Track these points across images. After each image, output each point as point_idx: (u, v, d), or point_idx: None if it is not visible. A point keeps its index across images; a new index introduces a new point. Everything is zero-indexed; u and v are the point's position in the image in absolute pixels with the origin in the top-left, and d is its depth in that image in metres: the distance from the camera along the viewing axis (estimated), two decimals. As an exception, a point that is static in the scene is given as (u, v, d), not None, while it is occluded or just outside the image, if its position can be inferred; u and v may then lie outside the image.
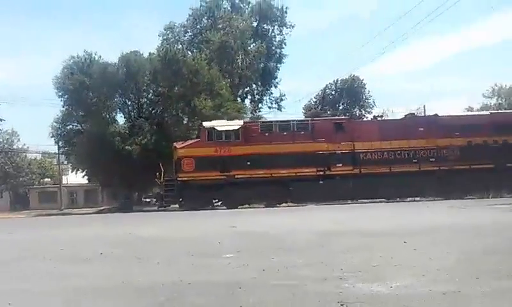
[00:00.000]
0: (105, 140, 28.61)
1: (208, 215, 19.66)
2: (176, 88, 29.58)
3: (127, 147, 27.98)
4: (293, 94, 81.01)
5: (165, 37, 35.44)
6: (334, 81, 41.86)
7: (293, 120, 26.42)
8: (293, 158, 23.76)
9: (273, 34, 37.90)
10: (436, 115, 25.95)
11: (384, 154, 24.23)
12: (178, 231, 12.82)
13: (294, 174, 23.77)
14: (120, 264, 7.17)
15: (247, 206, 23.99)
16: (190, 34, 36.54)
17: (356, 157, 24.24)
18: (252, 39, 37.08)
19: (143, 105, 31.90)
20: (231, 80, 33.32)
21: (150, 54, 31.78)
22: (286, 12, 37.88)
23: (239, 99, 35.56)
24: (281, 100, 37.89)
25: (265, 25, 37.76)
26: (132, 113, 31.71)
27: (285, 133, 24.28)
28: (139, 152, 27.83)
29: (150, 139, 28.45)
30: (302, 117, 31.31)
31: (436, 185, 23.48)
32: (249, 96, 37.98)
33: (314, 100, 41.69)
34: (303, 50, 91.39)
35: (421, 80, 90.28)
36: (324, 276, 5.61)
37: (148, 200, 40.47)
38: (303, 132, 24.51)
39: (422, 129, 24.47)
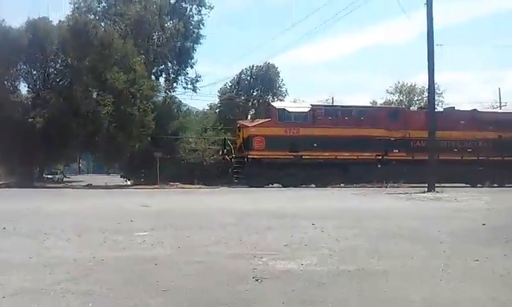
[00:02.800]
0: (5, 110, 26.53)
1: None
2: (86, 60, 28.10)
3: (29, 119, 26.18)
4: (210, 76, 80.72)
5: (77, 5, 33.36)
6: (250, 67, 42.19)
7: (354, 106, 27.87)
8: (355, 142, 24.99)
9: (191, 13, 37.16)
10: (474, 110, 28.41)
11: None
12: (90, 208, 12.39)
13: (355, 157, 25.09)
14: (26, 239, 6.84)
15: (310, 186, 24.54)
16: (104, 4, 34.78)
17: (410, 144, 25.88)
18: (169, 16, 36.16)
19: (50, 76, 29.89)
20: (146, 56, 32.32)
21: (60, 21, 29.85)
22: (205, -8, 37.40)
23: (153, 76, 34.58)
24: (197, 81, 37.31)
25: (183, 3, 36.87)
26: (38, 83, 29.63)
27: (346, 118, 25.47)
28: (42, 125, 26.16)
29: (55, 112, 26.84)
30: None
31: (475, 173, 25.72)
32: (163, 75, 37.02)
33: (230, 84, 41.73)
34: (221, 33, 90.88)
35: (332, 71, 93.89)
36: (239, 254, 5.80)
37: (50, 176, 38.32)
38: (362, 118, 25.83)
39: (463, 122, 26.70)
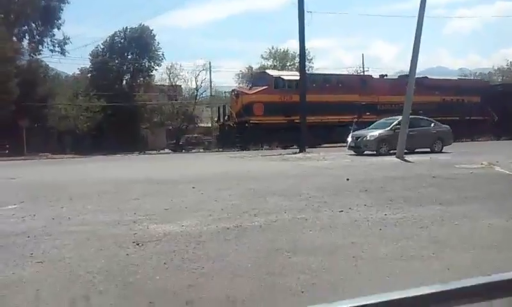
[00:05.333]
0: None
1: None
2: None
3: None
4: (80, 38, 74.62)
5: None
6: (123, 29, 40.09)
7: (334, 74, 31.66)
8: (336, 106, 27.67)
9: (57, -31, 34.21)
10: (425, 77, 31.66)
11: (393, 106, 28.68)
12: None
13: (337, 120, 27.46)
14: None
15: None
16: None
17: (378, 107, 29.41)
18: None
19: None
20: (5, 16, 29.23)
21: None
22: None
23: (15, 38, 31.50)
24: (65, 43, 34.71)
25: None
26: None
27: (327, 85, 27.73)
28: None
29: None
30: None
31: None
32: (27, 36, 33.86)
33: (102, 46, 39.37)
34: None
35: (208, 37, 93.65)
36: (117, 220, 5.76)
37: None
38: (340, 85, 28.32)
39: (415, 87, 29.94)
